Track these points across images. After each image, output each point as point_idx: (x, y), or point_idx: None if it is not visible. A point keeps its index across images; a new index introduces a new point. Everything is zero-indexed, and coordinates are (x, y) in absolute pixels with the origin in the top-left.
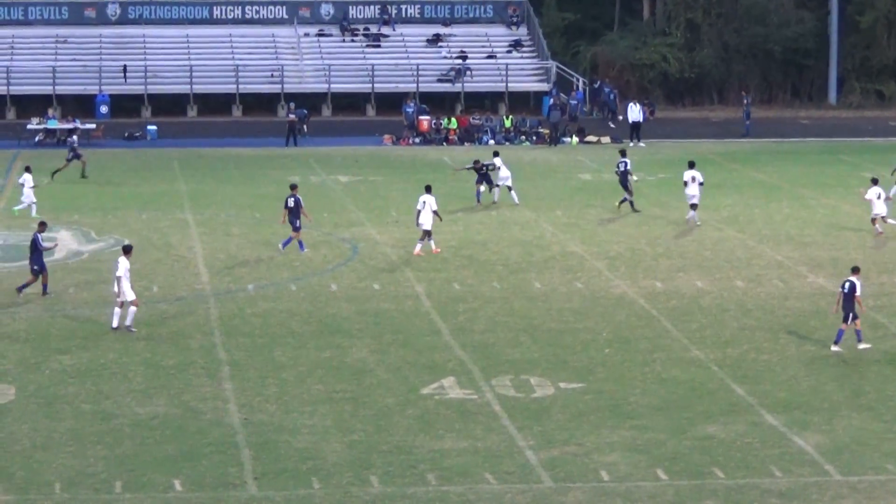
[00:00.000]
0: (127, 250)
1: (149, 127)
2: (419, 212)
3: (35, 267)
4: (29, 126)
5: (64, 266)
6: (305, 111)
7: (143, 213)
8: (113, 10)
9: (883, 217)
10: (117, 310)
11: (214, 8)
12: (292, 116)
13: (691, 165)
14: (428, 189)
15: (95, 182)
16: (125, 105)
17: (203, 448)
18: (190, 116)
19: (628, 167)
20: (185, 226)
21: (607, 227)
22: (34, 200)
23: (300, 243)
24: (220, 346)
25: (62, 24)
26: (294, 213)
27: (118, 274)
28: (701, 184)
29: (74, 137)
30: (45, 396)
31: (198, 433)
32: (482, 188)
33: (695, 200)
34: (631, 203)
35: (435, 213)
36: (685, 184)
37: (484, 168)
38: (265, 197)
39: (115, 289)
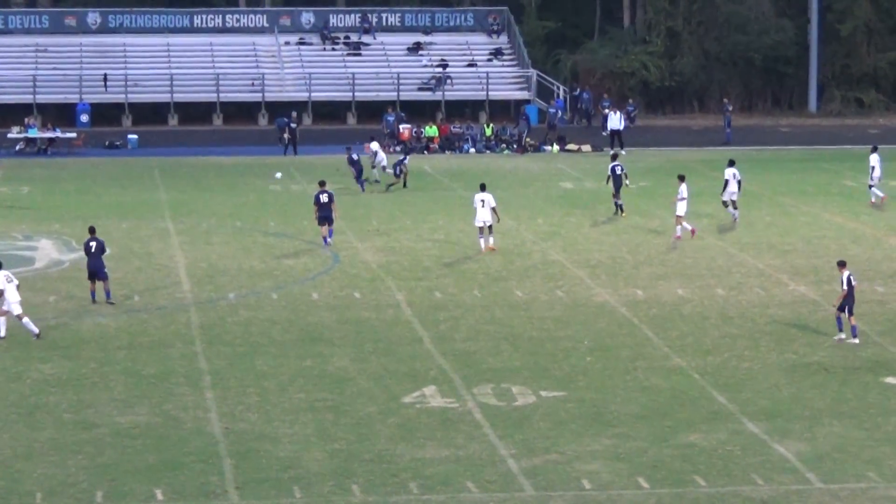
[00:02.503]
0: None
1: (129, 136)
2: (476, 209)
3: None
4: (9, 135)
5: (45, 275)
6: (286, 119)
7: (124, 222)
8: (93, 18)
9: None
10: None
11: (195, 16)
12: (293, 125)
13: (731, 163)
14: (483, 187)
15: (76, 191)
16: (106, 114)
17: (184, 457)
18: (171, 125)
19: (624, 170)
20: (166, 235)
21: (588, 236)
22: None
23: (326, 237)
24: (201, 355)
25: (42, 33)
26: (328, 207)
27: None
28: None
29: None
30: (26, 406)
31: (179, 442)
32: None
33: (735, 197)
34: (619, 206)
35: (493, 210)
36: (726, 182)
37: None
38: (246, 205)
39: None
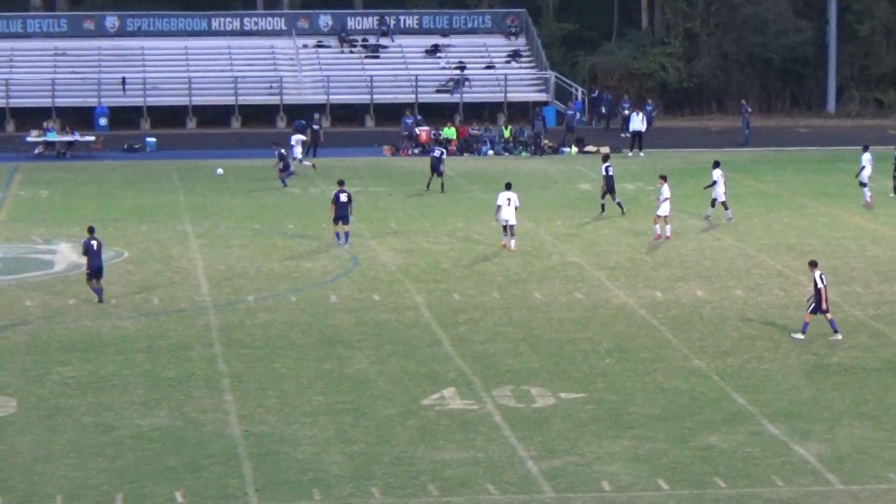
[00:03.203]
0: None
1: (148, 139)
2: (500, 207)
3: None
4: (28, 138)
5: (64, 279)
6: (304, 122)
7: (143, 225)
8: (111, 22)
9: None
10: None
11: (213, 20)
12: (315, 127)
13: (717, 164)
14: (508, 186)
15: (95, 194)
16: (124, 117)
17: (204, 460)
18: (189, 128)
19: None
20: (185, 238)
21: (607, 238)
22: None
23: (343, 235)
24: (220, 358)
25: (61, 37)
26: (346, 207)
27: None
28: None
29: None
30: (46, 409)
31: (199, 445)
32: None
33: (724, 198)
34: (615, 203)
35: (515, 209)
36: (714, 182)
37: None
38: (265, 208)
39: None
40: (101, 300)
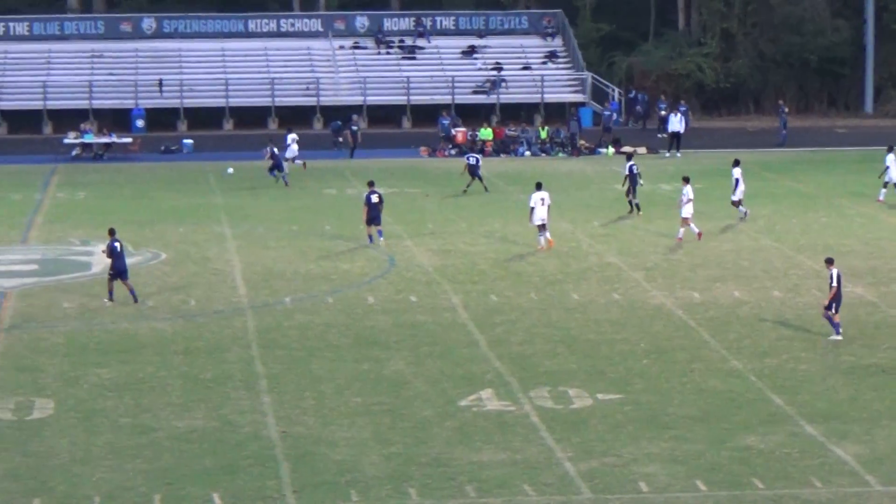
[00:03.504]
0: None
1: (185, 140)
2: (533, 209)
3: None
4: (65, 140)
5: (101, 280)
6: (340, 123)
7: (180, 227)
8: (148, 24)
9: None
10: None
11: (249, 21)
12: (354, 128)
13: (737, 163)
14: (539, 186)
15: (132, 196)
16: (161, 119)
17: (241, 461)
18: (226, 130)
19: (638, 170)
20: (222, 239)
21: (644, 238)
22: None
23: (372, 235)
24: (257, 359)
25: (98, 39)
26: (377, 207)
27: None
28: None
29: None
30: (84, 410)
31: (236, 446)
32: None
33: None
34: (634, 205)
35: (548, 207)
36: (737, 181)
37: None
38: (302, 209)
39: None
40: (136, 300)
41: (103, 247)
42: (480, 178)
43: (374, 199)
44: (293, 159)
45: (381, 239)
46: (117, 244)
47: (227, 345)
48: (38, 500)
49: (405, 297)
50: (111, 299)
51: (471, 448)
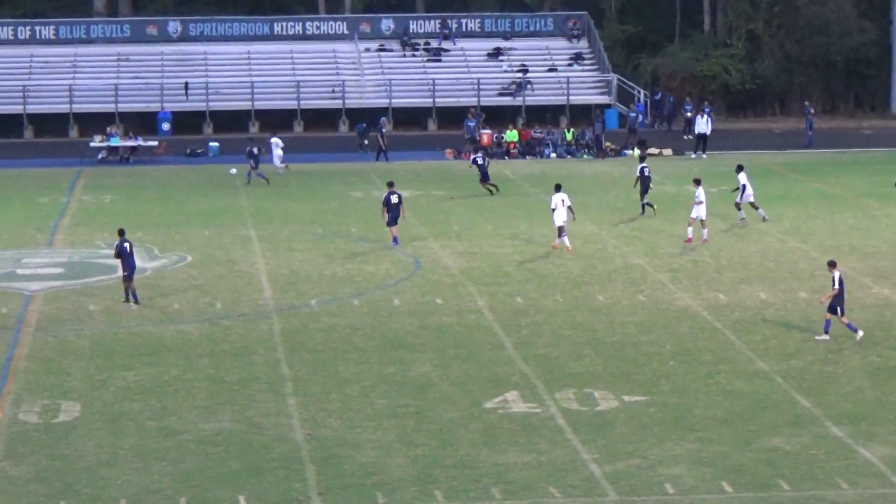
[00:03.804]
0: None
1: (210, 143)
2: (554, 210)
3: None
4: (91, 144)
5: None
6: (364, 125)
7: (206, 230)
8: (174, 27)
9: None
10: None
11: (275, 24)
12: (384, 130)
13: (741, 168)
14: (558, 188)
15: (158, 199)
16: (187, 122)
17: (267, 464)
18: (252, 133)
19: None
20: (248, 242)
21: (669, 240)
22: None
23: (396, 238)
24: (283, 362)
25: (124, 42)
26: (398, 208)
27: None
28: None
29: None
30: (110, 413)
31: (262, 449)
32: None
33: (752, 199)
34: (646, 205)
35: (569, 208)
36: (744, 186)
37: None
38: (327, 212)
39: None
40: (137, 302)
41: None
42: (488, 178)
43: (395, 199)
44: (279, 162)
45: (396, 244)
46: (126, 244)
47: (252, 347)
48: (65, 502)
49: (431, 299)
50: (127, 300)
51: (496, 450)
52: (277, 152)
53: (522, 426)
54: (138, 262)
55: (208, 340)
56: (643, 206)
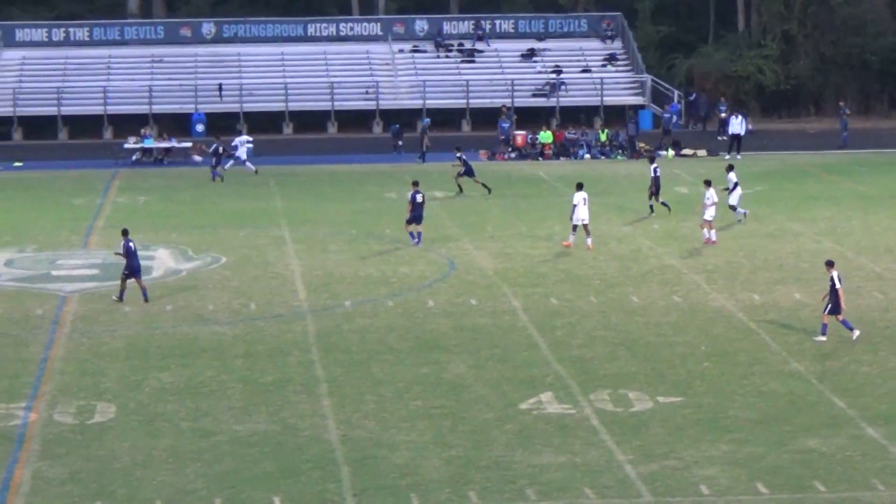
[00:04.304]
0: None
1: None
2: (576, 206)
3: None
4: (125, 145)
5: (162, 284)
6: (398, 126)
7: (240, 231)
8: (208, 29)
9: None
10: None
11: (309, 26)
12: (427, 132)
13: (731, 168)
14: (580, 186)
15: (192, 200)
16: (221, 123)
17: (302, 465)
18: (285, 134)
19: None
20: (282, 243)
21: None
22: None
23: (417, 235)
24: (317, 363)
25: (158, 44)
26: (422, 207)
27: None
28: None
29: None
30: (145, 414)
31: (296, 450)
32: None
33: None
34: (659, 203)
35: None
36: (735, 185)
37: None
38: (361, 213)
39: None
40: (146, 300)
41: (120, 249)
42: (472, 175)
43: (419, 198)
44: (245, 162)
45: (419, 243)
46: (131, 244)
47: (287, 348)
48: (100, 503)
49: (465, 300)
50: (121, 299)
51: (531, 451)
52: (242, 150)
53: (557, 427)
54: (173, 264)
55: (243, 341)
56: (652, 207)
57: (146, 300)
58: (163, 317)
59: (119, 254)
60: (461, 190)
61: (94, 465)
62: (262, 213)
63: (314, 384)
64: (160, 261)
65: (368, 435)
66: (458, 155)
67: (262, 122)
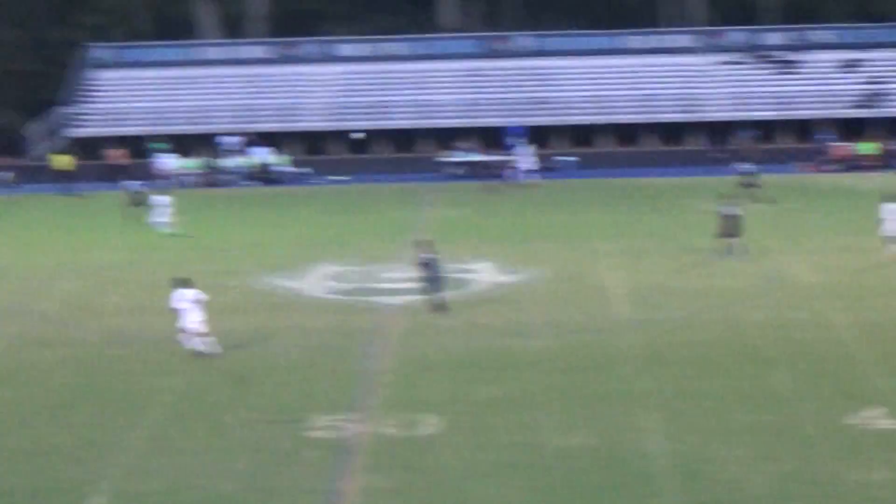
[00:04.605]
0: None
1: (562, 158)
2: (883, 220)
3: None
4: (443, 159)
5: (483, 297)
6: (719, 137)
7: (559, 244)
8: (526, 42)
9: None
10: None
11: (623, 38)
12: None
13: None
14: (890, 198)
15: (512, 214)
16: (538, 137)
17: (626, 478)
18: (601, 147)
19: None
20: (601, 256)
21: None
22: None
23: (730, 248)
24: (639, 376)
25: (475, 58)
26: (732, 220)
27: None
28: None
29: (132, 183)
30: (471, 427)
31: (621, 463)
32: None
33: None
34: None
35: None
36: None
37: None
38: (680, 226)
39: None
40: (437, 310)
41: (419, 261)
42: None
43: (732, 212)
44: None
45: (740, 255)
46: (431, 256)
47: (608, 362)
48: None
49: (787, 313)
50: (439, 309)
51: (859, 467)
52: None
53: (888, 442)
54: (494, 277)
55: (565, 354)
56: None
57: (436, 311)
58: (485, 330)
59: (421, 265)
60: (773, 200)
61: (421, 477)
62: (580, 226)
63: (636, 397)
64: (481, 274)
65: (692, 449)
66: (750, 168)
67: (579, 136)
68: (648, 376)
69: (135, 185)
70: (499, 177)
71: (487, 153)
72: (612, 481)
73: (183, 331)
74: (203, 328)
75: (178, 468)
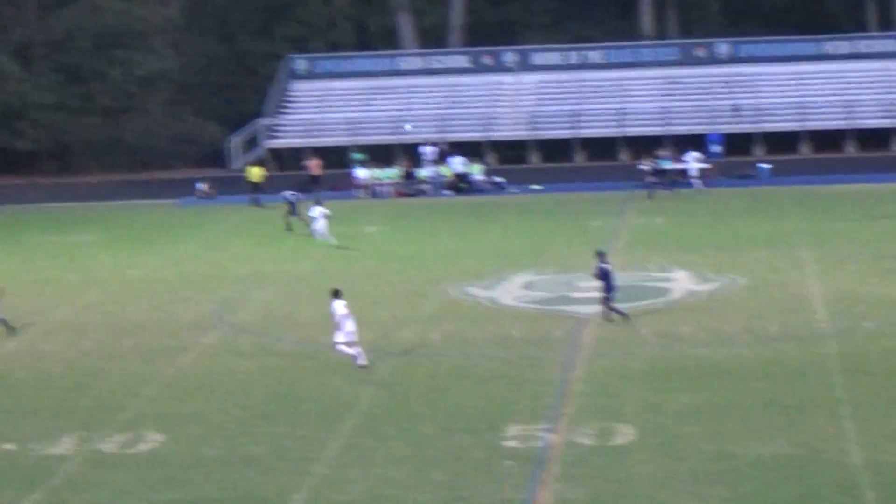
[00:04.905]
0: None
1: (760, 165)
2: None
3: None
4: (640, 167)
5: (680, 306)
6: None
7: (759, 252)
8: (723, 49)
9: None
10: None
11: (825, 44)
12: None
13: None
14: None
15: (709, 222)
16: (737, 144)
17: (824, 489)
18: (802, 154)
19: None
20: (801, 263)
21: None
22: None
23: None
24: (840, 385)
25: (673, 65)
26: None
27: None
28: None
29: (289, 193)
30: (665, 436)
31: (819, 474)
32: None
33: None
34: None
35: None
36: None
37: None
38: (881, 233)
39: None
40: (624, 316)
41: (595, 271)
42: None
43: None
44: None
45: None
46: (607, 266)
47: (807, 370)
48: None
49: None
50: (621, 316)
51: None
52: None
53: None
54: (691, 286)
55: (762, 363)
56: None
57: (608, 319)
58: (681, 338)
59: (597, 275)
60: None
61: (614, 487)
62: (779, 234)
63: (836, 406)
64: (678, 282)
65: (893, 459)
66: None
67: (778, 142)
68: (848, 385)
69: (291, 195)
70: (676, 184)
71: (685, 161)
72: (810, 492)
73: (338, 341)
74: (354, 338)
75: (373, 478)
